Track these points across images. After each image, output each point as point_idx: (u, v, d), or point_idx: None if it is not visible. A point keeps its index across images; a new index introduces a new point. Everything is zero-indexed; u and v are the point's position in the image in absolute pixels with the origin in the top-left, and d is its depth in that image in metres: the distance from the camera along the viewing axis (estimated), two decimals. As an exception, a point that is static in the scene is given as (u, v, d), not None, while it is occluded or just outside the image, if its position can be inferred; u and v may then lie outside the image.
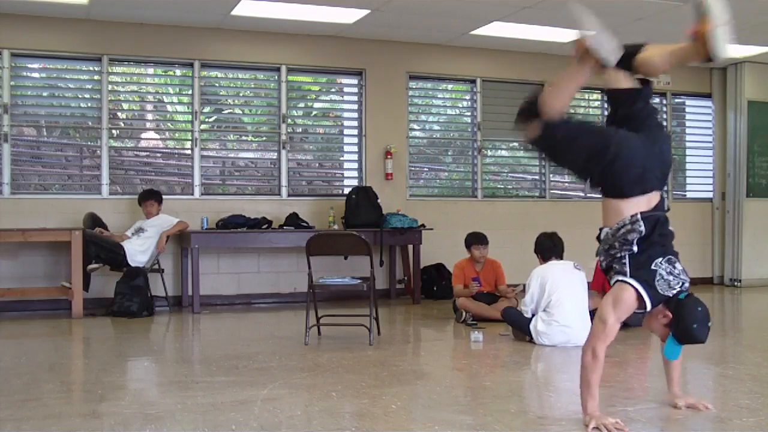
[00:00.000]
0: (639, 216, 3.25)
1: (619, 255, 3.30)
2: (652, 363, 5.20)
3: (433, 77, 9.15)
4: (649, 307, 3.26)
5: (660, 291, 3.23)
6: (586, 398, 3.30)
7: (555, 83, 3.45)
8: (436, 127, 9.41)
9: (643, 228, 3.24)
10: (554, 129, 3.40)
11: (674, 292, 3.25)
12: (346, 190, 8.49)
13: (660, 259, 3.25)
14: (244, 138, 8.69)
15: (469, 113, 9.35)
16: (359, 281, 5.83)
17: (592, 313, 5.69)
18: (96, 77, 7.89)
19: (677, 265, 3.29)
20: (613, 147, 3.28)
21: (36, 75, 8.07)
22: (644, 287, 3.23)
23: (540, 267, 5.72)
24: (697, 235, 10.13)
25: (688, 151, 10.47)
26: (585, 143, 3.37)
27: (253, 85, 8.73)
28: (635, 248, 3.25)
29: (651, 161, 3.29)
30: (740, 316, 8.05)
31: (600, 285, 6.48)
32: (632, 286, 3.24)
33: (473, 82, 9.19)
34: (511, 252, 8.08)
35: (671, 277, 3.24)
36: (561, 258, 5.84)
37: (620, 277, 3.29)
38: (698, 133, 10.45)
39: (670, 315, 3.29)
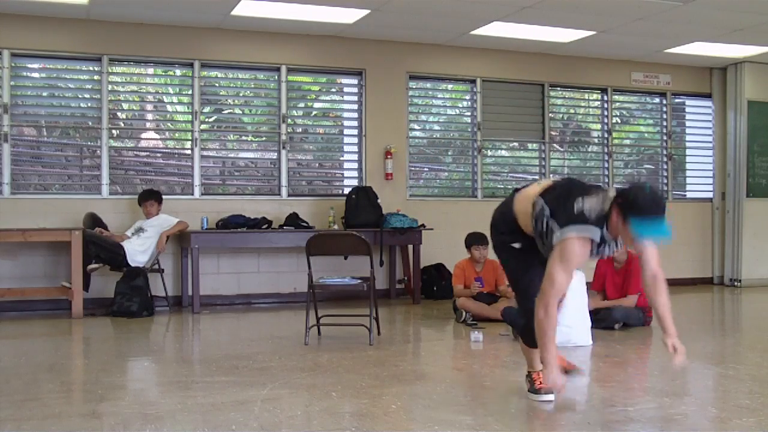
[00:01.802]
0: (540, 200, 3.47)
1: (541, 225, 3.43)
2: (652, 363, 5.21)
3: (433, 77, 9.15)
4: (597, 238, 3.33)
5: (595, 217, 3.32)
6: (543, 354, 3.45)
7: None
8: (436, 127, 9.41)
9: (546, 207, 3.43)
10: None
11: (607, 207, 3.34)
12: (346, 190, 8.49)
13: (579, 197, 3.38)
14: (244, 138, 8.69)
15: (469, 113, 9.35)
16: (359, 281, 5.82)
17: (592, 313, 5.71)
18: (96, 77, 7.89)
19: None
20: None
21: (36, 75, 8.07)
22: (580, 228, 3.32)
23: (540, 267, 5.71)
24: (697, 235, 10.13)
25: (688, 151, 10.46)
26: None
27: (253, 85, 8.73)
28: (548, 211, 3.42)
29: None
30: (740, 316, 8.05)
31: (600, 285, 6.49)
32: (572, 235, 3.32)
33: (473, 82, 9.19)
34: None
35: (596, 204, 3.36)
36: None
37: (557, 235, 3.36)
38: (698, 133, 10.44)
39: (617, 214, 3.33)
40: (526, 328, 3.70)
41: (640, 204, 3.24)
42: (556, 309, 3.40)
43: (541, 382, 3.71)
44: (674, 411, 3.61)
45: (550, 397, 3.70)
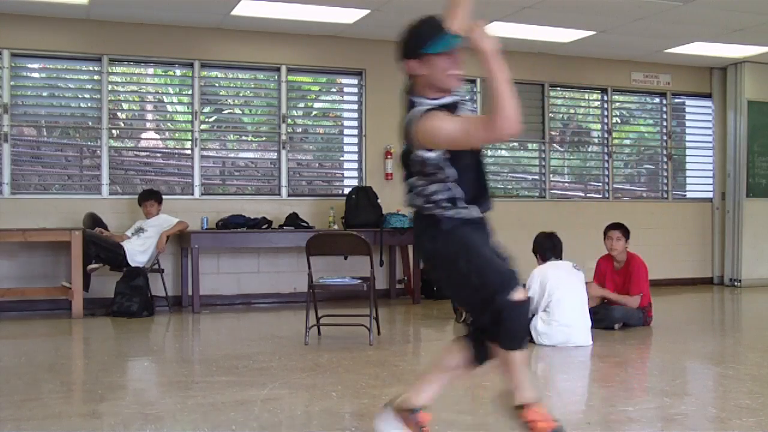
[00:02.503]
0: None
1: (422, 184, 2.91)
2: (652, 363, 5.21)
3: (433, 77, 9.13)
4: (435, 103, 2.90)
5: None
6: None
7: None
8: (436, 127, 9.39)
9: None
10: None
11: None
12: (346, 190, 8.49)
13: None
14: (244, 138, 8.69)
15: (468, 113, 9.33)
16: (359, 281, 5.82)
17: (592, 312, 5.71)
18: (96, 77, 7.89)
19: None
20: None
21: (36, 75, 8.07)
22: (412, 113, 2.90)
23: (540, 267, 5.71)
24: (697, 235, 10.12)
25: (688, 151, 10.45)
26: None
27: (253, 85, 8.73)
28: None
29: None
30: (740, 316, 8.05)
31: (600, 283, 6.48)
32: (416, 121, 2.80)
33: (473, 82, 9.18)
34: (511, 252, 8.08)
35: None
36: (560, 258, 5.83)
37: (411, 129, 2.86)
38: (698, 133, 10.44)
39: None
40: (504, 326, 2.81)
41: (412, 36, 2.88)
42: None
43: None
44: (674, 411, 3.61)
45: None
